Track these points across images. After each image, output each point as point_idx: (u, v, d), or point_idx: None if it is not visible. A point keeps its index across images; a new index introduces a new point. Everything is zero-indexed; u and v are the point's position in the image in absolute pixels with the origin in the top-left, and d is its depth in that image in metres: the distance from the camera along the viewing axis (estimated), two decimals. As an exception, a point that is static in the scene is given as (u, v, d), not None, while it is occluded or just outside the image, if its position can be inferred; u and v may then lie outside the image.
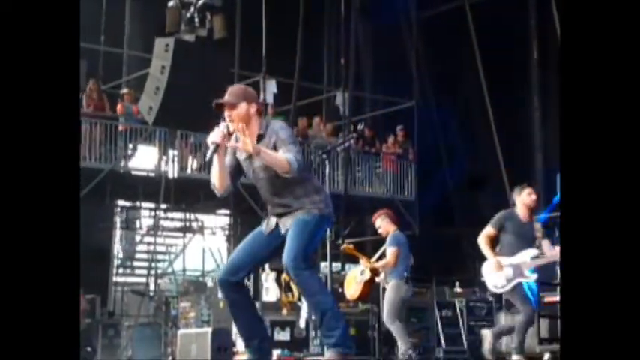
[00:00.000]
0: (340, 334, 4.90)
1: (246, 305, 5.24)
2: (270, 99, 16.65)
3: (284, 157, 4.81)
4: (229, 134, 4.91)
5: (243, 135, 4.75)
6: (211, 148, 4.90)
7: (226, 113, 4.95)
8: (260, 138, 4.97)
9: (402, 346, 9.00)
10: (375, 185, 17.79)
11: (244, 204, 15.63)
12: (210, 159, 4.96)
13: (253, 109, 4.98)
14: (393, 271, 9.21)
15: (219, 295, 13.19)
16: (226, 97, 4.99)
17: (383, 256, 9.46)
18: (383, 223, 9.56)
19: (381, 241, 10.31)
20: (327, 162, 8.31)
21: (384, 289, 9.28)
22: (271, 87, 16.63)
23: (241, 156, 5.11)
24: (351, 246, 9.80)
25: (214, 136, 4.88)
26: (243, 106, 4.94)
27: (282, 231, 5.07)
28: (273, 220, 5.15)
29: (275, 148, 4.90)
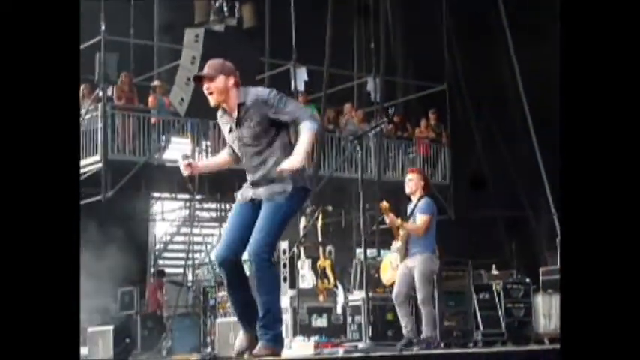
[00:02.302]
0: (277, 334, 5.03)
1: (245, 286, 5.21)
2: (301, 87, 16.64)
3: (307, 131, 4.90)
4: (187, 157, 5.34)
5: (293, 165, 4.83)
6: (185, 173, 5.29)
7: (205, 86, 5.08)
8: (240, 106, 5.07)
9: (427, 330, 8.38)
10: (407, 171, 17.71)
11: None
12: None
13: (231, 81, 5.08)
14: (420, 241, 8.49)
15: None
16: (205, 71, 5.11)
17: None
18: (416, 180, 8.86)
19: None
20: (358, 148, 8.27)
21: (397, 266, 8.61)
22: (302, 75, 16.60)
23: (226, 128, 5.23)
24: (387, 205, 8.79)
25: (183, 171, 5.33)
26: (221, 79, 5.06)
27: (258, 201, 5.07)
28: (249, 192, 5.14)
29: (273, 119, 4.98)
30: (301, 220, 11.80)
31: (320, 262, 11.39)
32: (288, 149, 4.99)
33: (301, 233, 11.68)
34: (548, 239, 15.37)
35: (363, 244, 7.63)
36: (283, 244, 11.63)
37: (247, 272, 5.24)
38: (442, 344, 10.27)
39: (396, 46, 19.35)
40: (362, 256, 8.32)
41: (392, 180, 16.96)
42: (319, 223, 11.45)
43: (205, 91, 5.10)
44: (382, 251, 13.85)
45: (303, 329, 10.83)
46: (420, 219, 8.55)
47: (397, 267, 8.68)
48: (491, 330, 11.88)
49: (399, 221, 8.60)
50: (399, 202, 18.05)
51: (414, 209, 8.74)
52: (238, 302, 5.23)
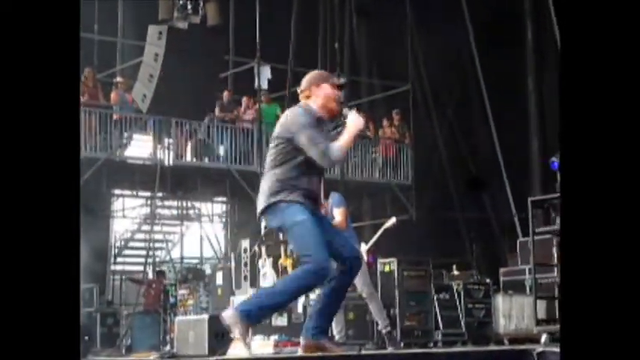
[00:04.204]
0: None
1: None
2: (264, 85, 16.60)
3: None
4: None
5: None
6: None
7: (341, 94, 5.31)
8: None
9: (383, 320, 8.87)
10: (371, 170, 17.78)
11: (241, 191, 15.63)
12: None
13: None
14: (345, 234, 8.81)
15: (218, 282, 13.23)
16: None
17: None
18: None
19: (378, 226, 10.28)
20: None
21: None
22: (266, 73, 16.57)
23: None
24: None
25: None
26: None
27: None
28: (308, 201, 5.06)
29: None
30: (263, 219, 11.77)
31: (281, 261, 11.37)
32: None
33: (263, 232, 11.66)
34: (509, 240, 15.50)
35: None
36: (244, 243, 11.60)
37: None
38: (402, 344, 10.32)
39: (360, 46, 19.41)
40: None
41: (355, 179, 17.00)
42: (281, 222, 11.42)
43: (338, 99, 5.22)
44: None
45: (263, 328, 10.80)
46: (338, 213, 8.61)
47: None
48: (452, 330, 11.94)
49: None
50: (362, 202, 18.22)
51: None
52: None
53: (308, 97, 5.23)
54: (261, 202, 5.09)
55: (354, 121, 5.07)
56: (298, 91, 5.28)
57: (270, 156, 5.11)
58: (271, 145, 5.15)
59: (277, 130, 5.12)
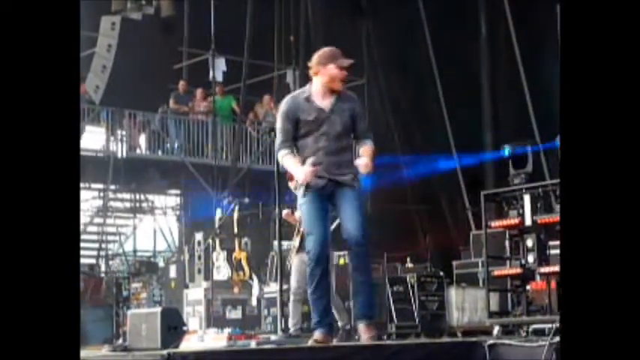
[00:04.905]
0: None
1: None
2: (219, 77, 16.52)
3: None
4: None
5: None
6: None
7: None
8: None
9: (343, 318, 8.80)
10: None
11: (195, 183, 15.54)
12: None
13: None
14: None
15: (171, 275, 13.15)
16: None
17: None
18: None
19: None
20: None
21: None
22: (221, 65, 16.49)
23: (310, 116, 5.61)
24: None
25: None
26: None
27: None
28: (321, 182, 5.55)
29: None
30: (217, 212, 11.74)
31: (235, 254, 11.35)
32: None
33: (217, 225, 11.61)
34: (462, 233, 15.60)
35: (277, 236, 7.61)
36: (198, 236, 11.54)
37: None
38: (356, 337, 10.34)
39: (316, 39, 19.38)
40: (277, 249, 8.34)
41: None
42: (235, 215, 11.40)
43: (342, 78, 5.71)
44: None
45: (217, 321, 10.77)
46: None
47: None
48: (405, 322, 11.98)
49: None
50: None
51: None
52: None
53: (315, 74, 5.69)
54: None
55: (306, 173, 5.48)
56: (308, 65, 5.76)
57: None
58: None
59: None
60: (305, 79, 19.03)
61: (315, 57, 5.71)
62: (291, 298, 8.79)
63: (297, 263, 8.74)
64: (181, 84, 16.35)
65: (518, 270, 8.31)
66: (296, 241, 8.91)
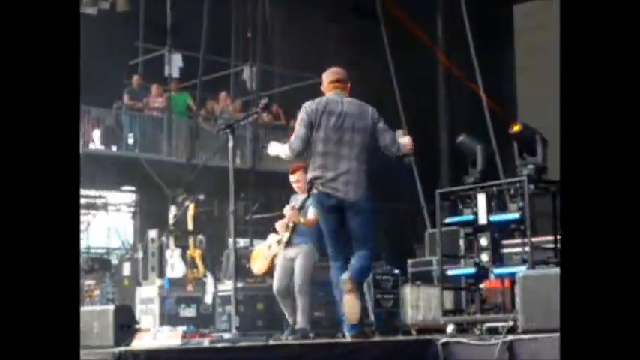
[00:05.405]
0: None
1: None
2: (175, 73, 16.41)
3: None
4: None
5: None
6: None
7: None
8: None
9: (302, 320, 8.63)
10: (282, 160, 17.70)
11: (149, 180, 15.41)
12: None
13: None
14: (307, 232, 8.50)
15: (124, 272, 13.03)
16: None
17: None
18: (302, 178, 8.49)
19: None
20: (230, 137, 8.09)
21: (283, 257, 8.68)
22: (177, 61, 16.37)
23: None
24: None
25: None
26: None
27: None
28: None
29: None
30: (171, 209, 11.66)
31: (190, 252, 11.28)
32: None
33: (171, 222, 11.53)
34: (417, 231, 15.68)
35: (232, 234, 7.58)
36: (152, 233, 11.46)
37: None
38: (312, 334, 10.32)
39: (273, 36, 19.33)
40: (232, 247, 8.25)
41: (266, 169, 16.93)
42: (190, 212, 11.33)
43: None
44: (255, 241, 13.80)
45: (171, 319, 10.70)
46: (314, 213, 8.35)
47: (268, 257, 8.72)
48: (360, 320, 11.99)
49: (301, 219, 8.55)
50: (272, 192, 18.14)
51: (305, 201, 8.60)
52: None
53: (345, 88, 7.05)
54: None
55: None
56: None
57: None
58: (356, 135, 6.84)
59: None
60: (263, 76, 18.97)
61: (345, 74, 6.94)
62: (276, 296, 8.62)
63: (281, 259, 8.62)
64: (135, 78, 16.16)
65: (472, 269, 8.37)
66: (284, 236, 8.72)
